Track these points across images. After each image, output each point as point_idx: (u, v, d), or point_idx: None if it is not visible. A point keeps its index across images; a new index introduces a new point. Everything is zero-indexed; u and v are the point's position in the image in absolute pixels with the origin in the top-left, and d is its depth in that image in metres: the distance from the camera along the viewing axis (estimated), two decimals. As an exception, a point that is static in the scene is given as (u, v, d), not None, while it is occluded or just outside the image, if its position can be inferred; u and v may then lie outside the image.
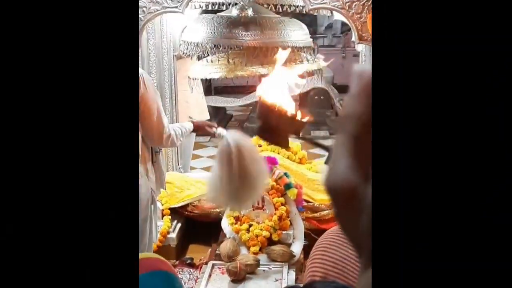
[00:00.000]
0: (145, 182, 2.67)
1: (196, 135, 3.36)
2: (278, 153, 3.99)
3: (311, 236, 3.44)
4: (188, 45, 3.65)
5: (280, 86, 3.26)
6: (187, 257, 3.60)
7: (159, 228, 3.52)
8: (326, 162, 2.34)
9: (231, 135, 2.64)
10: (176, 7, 3.31)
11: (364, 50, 3.82)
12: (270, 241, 3.29)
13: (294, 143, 4.22)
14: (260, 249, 3.27)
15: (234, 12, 3.60)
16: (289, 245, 3.30)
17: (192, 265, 3.50)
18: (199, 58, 3.83)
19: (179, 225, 3.79)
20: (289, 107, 3.04)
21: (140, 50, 3.55)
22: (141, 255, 1.46)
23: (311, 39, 3.81)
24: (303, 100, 8.18)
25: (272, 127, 2.85)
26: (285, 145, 3.12)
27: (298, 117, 3.05)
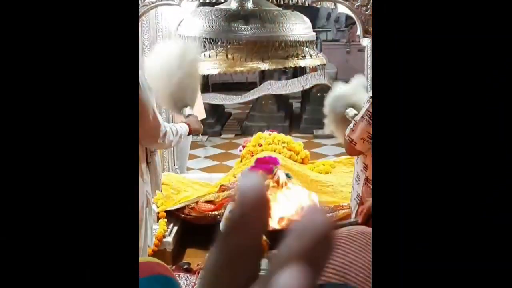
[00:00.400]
0: (140, 184, 2.70)
1: (196, 133, 3.38)
2: (280, 153, 4.01)
3: (314, 240, 3.47)
4: (185, 39, 3.66)
5: None
6: (184, 262, 3.62)
7: (154, 232, 3.54)
8: None
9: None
10: (172, -1, 3.34)
11: (369, 44, 3.84)
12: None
13: (296, 142, 4.24)
14: (261, 254, 3.29)
15: (233, 4, 3.61)
16: (291, 249, 3.32)
17: (189, 270, 3.53)
18: (196, 53, 3.83)
19: (175, 228, 3.81)
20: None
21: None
22: (140, 259, 1.48)
23: (314, 33, 3.83)
24: (305, 97, 8.19)
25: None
26: None
27: None
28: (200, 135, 3.21)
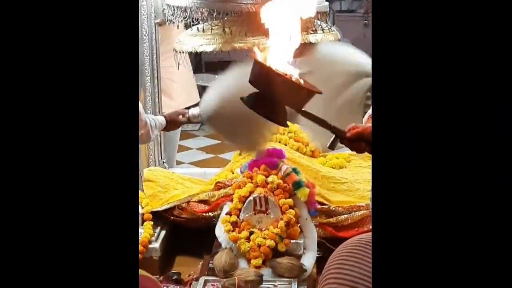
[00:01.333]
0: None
1: (169, 130, 3.53)
2: (286, 145, 4.08)
3: (325, 246, 3.54)
4: (174, 10, 3.68)
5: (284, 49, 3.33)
6: (174, 271, 3.67)
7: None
8: (330, 147, 2.43)
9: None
10: (159, -37, 3.38)
11: (392, 16, 3.91)
12: (276, 252, 3.37)
13: (305, 131, 4.27)
14: (263, 262, 3.36)
15: (230, -32, 3.65)
16: (299, 257, 3.38)
17: (179, 281, 3.58)
18: (187, 26, 3.86)
19: (163, 232, 3.85)
20: (291, 72, 3.12)
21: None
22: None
23: (327, 3, 3.88)
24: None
25: (266, 95, 2.91)
26: (282, 121, 3.13)
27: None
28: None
